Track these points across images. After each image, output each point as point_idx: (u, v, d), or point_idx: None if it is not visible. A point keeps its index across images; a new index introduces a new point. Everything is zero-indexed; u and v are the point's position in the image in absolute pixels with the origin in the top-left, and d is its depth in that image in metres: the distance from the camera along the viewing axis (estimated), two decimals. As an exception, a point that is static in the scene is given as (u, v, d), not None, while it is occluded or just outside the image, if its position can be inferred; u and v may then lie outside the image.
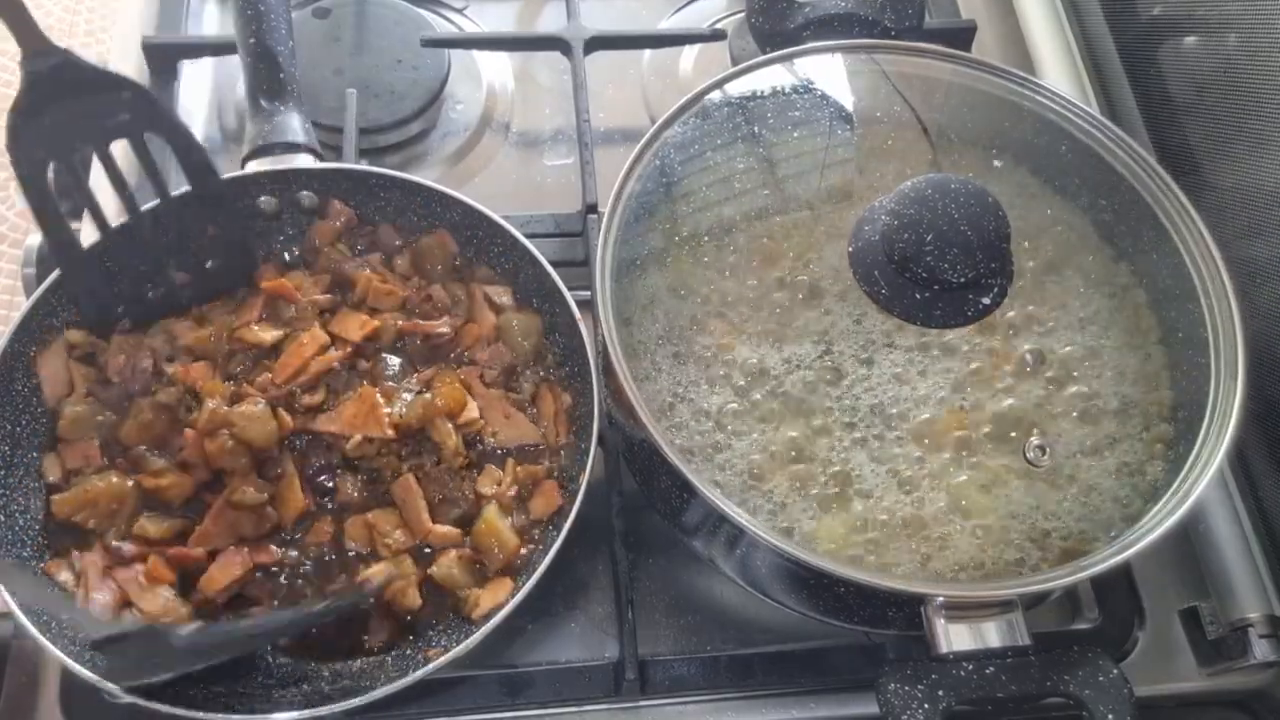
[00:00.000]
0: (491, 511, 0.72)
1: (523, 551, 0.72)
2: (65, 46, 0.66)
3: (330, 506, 0.73)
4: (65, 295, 0.75)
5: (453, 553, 0.71)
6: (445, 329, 0.78)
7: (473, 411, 0.74)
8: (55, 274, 0.74)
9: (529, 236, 0.78)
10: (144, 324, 0.77)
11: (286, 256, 0.82)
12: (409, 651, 0.70)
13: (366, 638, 0.70)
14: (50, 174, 0.70)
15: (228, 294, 0.79)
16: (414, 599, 0.70)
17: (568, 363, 0.78)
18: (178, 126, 0.73)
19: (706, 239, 0.71)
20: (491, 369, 0.78)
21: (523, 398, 0.77)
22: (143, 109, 0.71)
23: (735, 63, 0.99)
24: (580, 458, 0.73)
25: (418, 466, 0.73)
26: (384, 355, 0.76)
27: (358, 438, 0.71)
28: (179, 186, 0.76)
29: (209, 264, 0.78)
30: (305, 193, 0.80)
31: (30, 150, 0.69)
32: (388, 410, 0.72)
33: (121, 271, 0.75)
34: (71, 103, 0.68)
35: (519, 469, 0.74)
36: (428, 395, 0.74)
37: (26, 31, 0.64)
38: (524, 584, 0.67)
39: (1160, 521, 0.61)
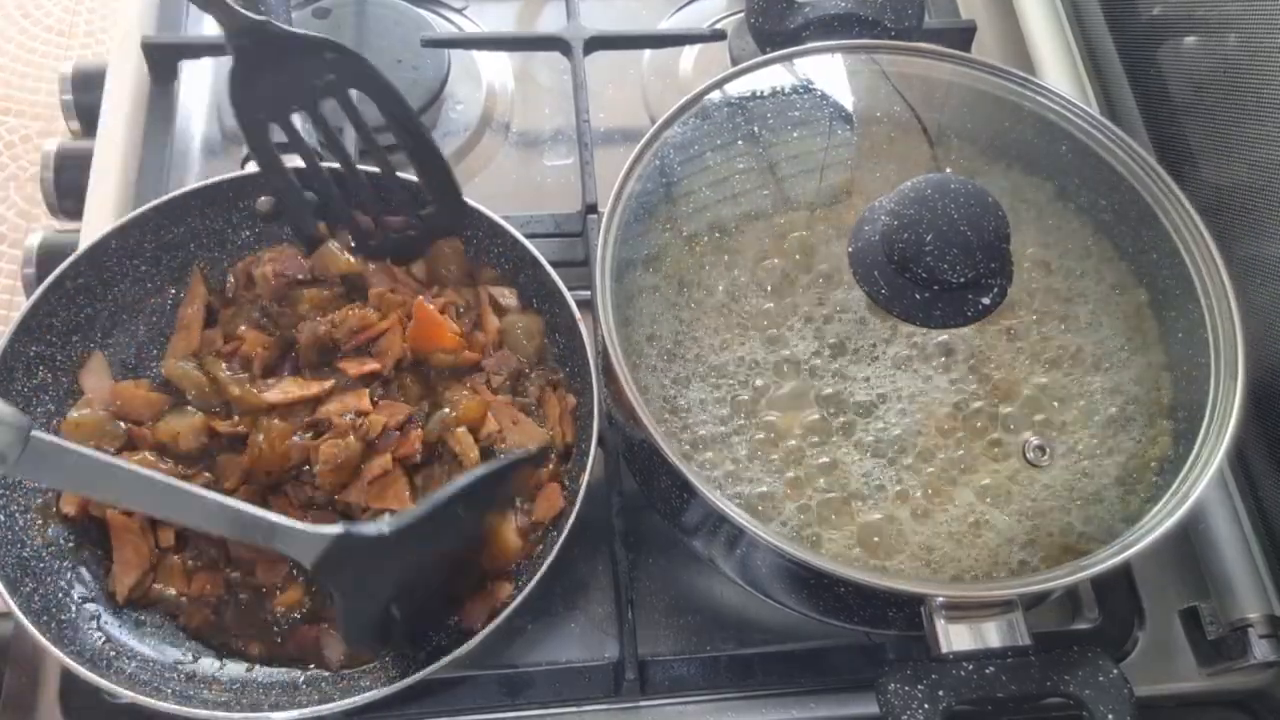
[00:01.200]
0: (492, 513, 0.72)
1: (524, 553, 0.72)
2: (263, 18, 0.71)
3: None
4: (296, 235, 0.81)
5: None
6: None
7: (492, 424, 0.74)
8: (55, 274, 0.74)
9: (529, 237, 0.78)
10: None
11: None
12: (409, 651, 0.70)
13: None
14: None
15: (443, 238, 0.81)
16: None
17: (568, 363, 0.78)
18: (382, 83, 0.76)
19: (706, 239, 0.71)
20: (498, 374, 0.77)
21: (529, 401, 0.77)
22: (347, 67, 0.75)
23: (735, 63, 0.99)
24: (580, 458, 0.73)
25: (429, 475, 0.73)
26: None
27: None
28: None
29: (424, 211, 0.80)
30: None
31: (251, 114, 0.75)
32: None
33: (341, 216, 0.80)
34: (277, 67, 0.73)
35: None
36: (445, 411, 0.74)
37: (224, 11, 0.70)
38: (524, 584, 0.67)
39: (1160, 521, 0.61)
